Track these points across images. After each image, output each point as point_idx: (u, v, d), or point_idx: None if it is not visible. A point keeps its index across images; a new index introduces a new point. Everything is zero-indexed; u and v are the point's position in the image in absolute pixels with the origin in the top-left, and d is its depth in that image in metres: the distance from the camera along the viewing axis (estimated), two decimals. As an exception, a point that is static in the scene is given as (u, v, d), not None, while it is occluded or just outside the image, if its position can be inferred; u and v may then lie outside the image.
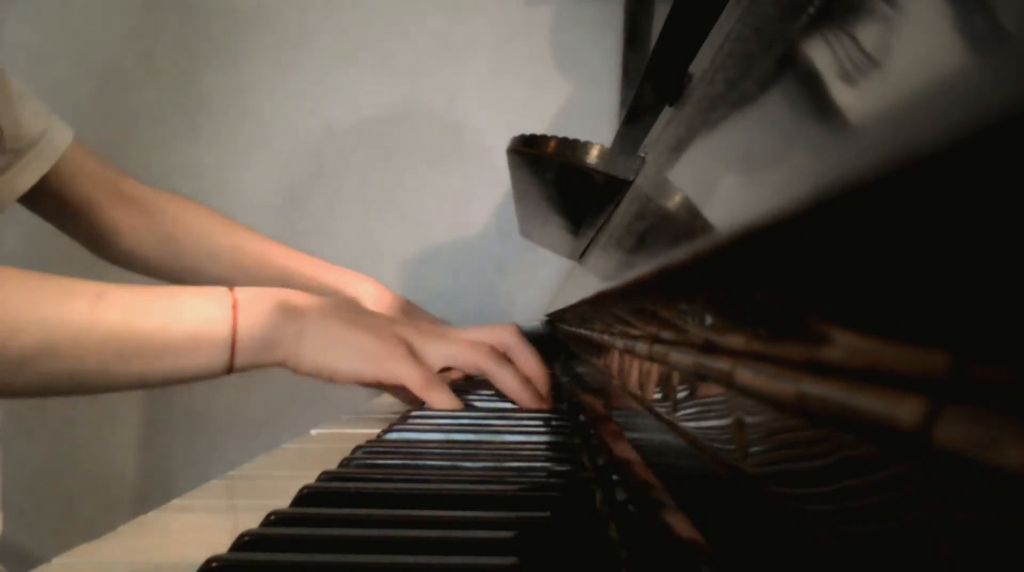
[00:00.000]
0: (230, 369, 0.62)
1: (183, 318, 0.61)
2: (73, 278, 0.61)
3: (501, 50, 1.24)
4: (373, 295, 0.90)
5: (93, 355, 0.58)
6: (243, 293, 0.63)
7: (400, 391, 0.66)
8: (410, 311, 0.91)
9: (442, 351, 0.64)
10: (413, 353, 0.63)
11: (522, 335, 0.70)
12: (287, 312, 0.62)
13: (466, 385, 0.77)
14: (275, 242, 0.94)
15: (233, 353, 0.61)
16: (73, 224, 0.89)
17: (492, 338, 0.67)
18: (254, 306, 0.62)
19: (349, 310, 0.65)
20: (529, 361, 0.67)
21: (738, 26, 0.26)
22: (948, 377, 0.10)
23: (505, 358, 0.66)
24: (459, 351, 0.64)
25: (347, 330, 0.62)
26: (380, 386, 0.64)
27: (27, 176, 0.84)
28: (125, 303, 0.60)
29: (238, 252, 0.91)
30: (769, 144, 0.16)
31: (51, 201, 0.87)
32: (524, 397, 0.65)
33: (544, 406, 0.66)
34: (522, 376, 0.66)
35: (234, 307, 0.62)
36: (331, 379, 0.63)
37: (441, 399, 0.62)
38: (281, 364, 0.63)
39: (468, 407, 0.65)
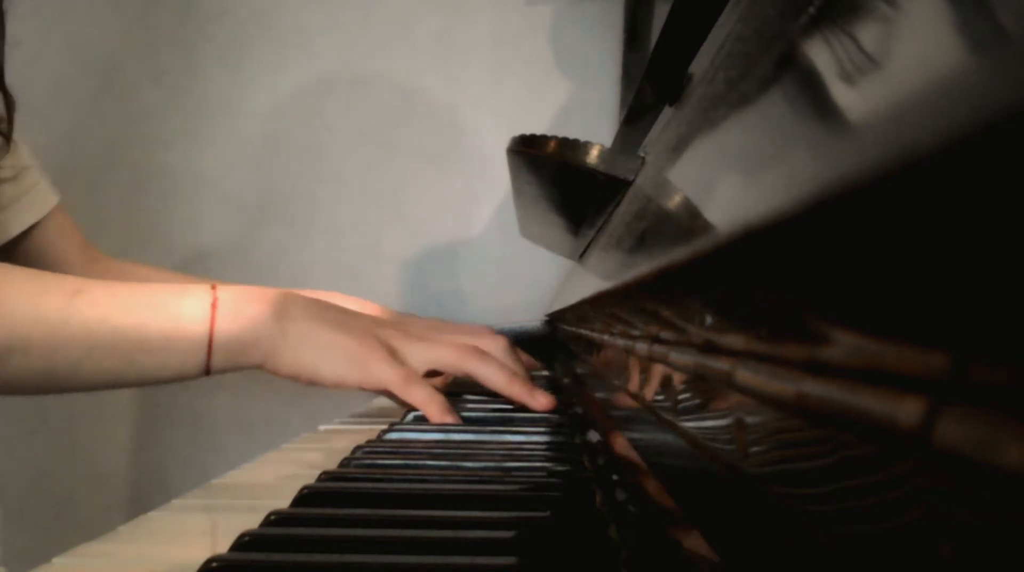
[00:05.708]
0: (207, 371, 0.61)
1: (160, 316, 0.59)
2: (56, 274, 0.60)
3: (501, 50, 1.24)
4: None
5: (66, 351, 0.57)
6: (225, 292, 0.61)
7: (388, 393, 0.66)
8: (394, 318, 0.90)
9: (425, 354, 0.63)
10: (395, 356, 0.62)
11: (510, 345, 0.69)
12: (269, 313, 0.61)
13: (461, 389, 0.77)
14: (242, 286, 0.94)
15: (210, 354, 0.60)
16: None
17: (477, 342, 0.66)
18: (235, 306, 0.61)
19: (333, 311, 0.63)
20: (522, 371, 0.66)
21: (738, 26, 0.26)
22: (948, 377, 0.10)
23: (495, 359, 0.65)
24: (442, 353, 0.63)
25: (329, 333, 0.61)
26: (363, 390, 0.63)
27: (19, 220, 0.86)
28: (102, 300, 0.58)
29: None
30: (769, 144, 0.16)
31: (28, 254, 0.88)
32: (515, 389, 0.64)
33: (538, 396, 0.64)
34: (510, 370, 0.65)
35: (213, 306, 0.60)
36: (311, 383, 0.62)
37: (422, 397, 0.60)
38: (260, 366, 0.62)
39: (459, 408, 0.64)
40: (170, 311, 0.60)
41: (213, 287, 0.62)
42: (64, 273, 0.87)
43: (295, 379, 0.62)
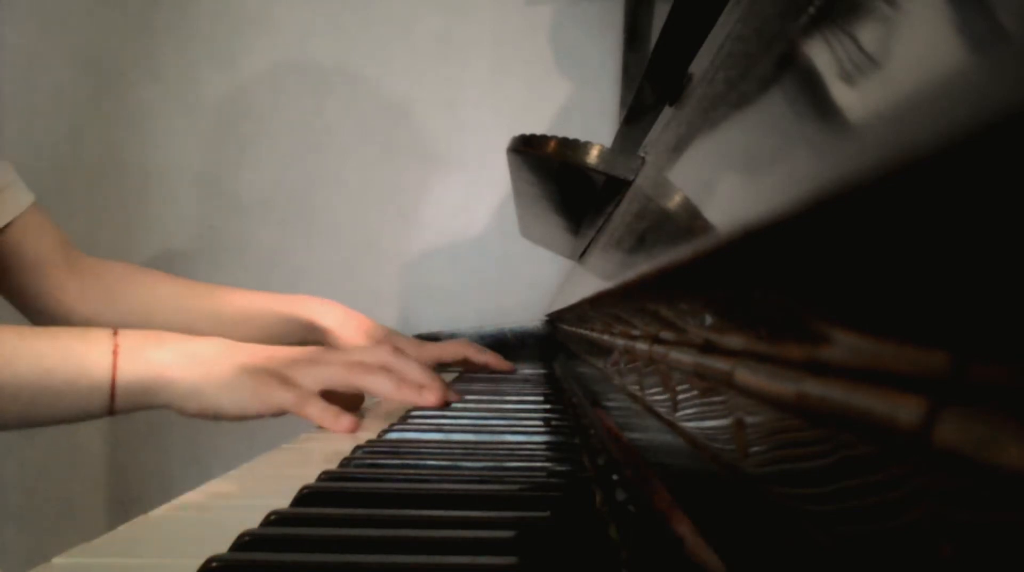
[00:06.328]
0: (111, 412, 0.64)
1: (66, 362, 0.63)
2: None
3: (501, 50, 1.24)
4: (339, 320, 0.90)
5: None
6: (126, 338, 0.65)
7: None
8: (377, 333, 0.91)
9: (314, 375, 0.66)
10: (287, 381, 0.65)
11: (396, 350, 0.70)
12: (167, 358, 0.65)
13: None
14: (222, 286, 0.96)
15: (112, 398, 0.64)
16: (17, 280, 0.91)
17: (362, 357, 0.68)
18: (135, 353, 0.64)
19: (228, 350, 0.67)
20: (412, 372, 0.68)
21: (738, 26, 0.26)
22: (948, 377, 0.10)
23: (381, 369, 0.67)
24: (330, 372, 0.66)
25: (226, 371, 0.65)
26: (265, 416, 0.65)
27: None
28: (7, 347, 0.62)
29: (190, 299, 0.94)
30: (769, 144, 0.16)
31: (3, 255, 0.89)
32: (401, 394, 0.66)
33: (426, 394, 0.66)
34: (400, 378, 0.67)
35: (115, 353, 0.64)
36: (217, 418, 0.65)
37: (316, 410, 0.63)
38: (165, 407, 0.65)
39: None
40: (75, 358, 0.63)
41: (115, 333, 0.65)
42: (44, 272, 0.89)
43: (202, 417, 0.66)
